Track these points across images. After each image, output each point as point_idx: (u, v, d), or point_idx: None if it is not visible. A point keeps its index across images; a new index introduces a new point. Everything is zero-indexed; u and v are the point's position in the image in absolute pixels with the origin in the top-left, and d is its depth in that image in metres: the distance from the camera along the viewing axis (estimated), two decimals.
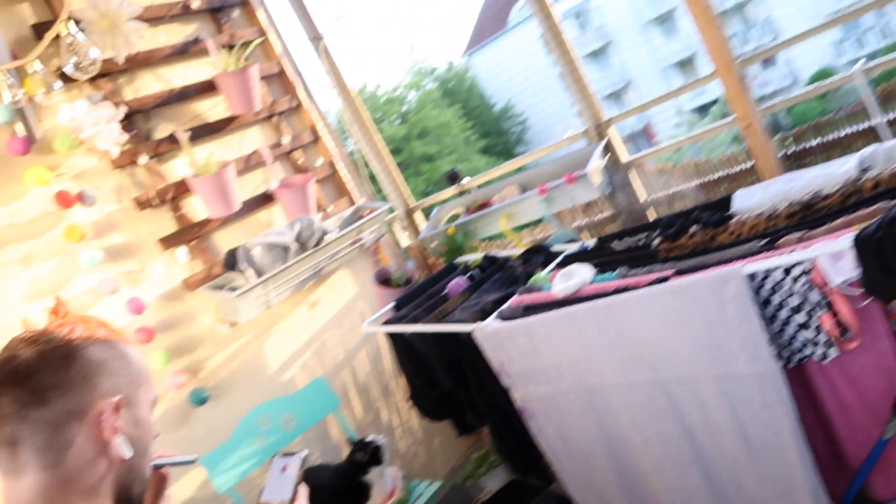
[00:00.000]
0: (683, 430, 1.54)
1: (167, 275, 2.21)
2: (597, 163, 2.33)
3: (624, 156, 2.50)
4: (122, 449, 0.88)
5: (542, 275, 1.97)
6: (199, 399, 2.11)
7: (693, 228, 1.83)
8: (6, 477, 0.86)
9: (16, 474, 0.85)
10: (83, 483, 0.87)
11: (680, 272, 1.58)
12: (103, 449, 0.88)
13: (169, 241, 2.22)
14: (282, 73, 2.68)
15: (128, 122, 2.19)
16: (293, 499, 1.15)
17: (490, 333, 1.79)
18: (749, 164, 2.28)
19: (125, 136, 2.10)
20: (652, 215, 2.51)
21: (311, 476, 2.06)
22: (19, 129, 1.95)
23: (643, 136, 20.51)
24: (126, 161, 2.17)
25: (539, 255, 2.22)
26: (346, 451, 2.41)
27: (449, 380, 2.01)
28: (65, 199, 1.99)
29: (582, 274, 1.80)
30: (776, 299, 1.39)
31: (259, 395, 2.28)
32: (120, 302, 2.04)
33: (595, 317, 1.59)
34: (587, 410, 1.70)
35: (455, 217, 2.78)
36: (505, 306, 1.87)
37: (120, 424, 0.89)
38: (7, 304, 1.87)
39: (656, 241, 1.88)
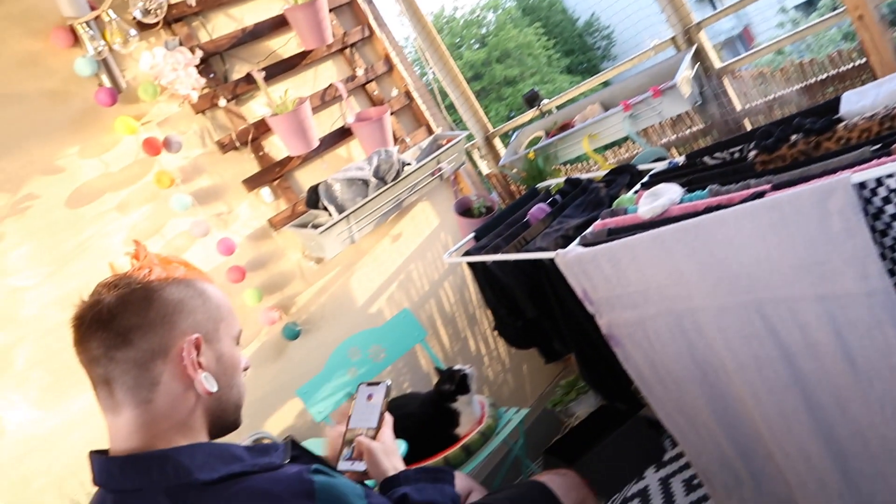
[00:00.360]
0: (782, 353, 1.45)
1: (254, 215, 2.27)
2: (686, 72, 2.16)
3: (716, 62, 2.30)
4: (207, 384, 0.92)
5: (626, 196, 1.88)
6: (292, 334, 2.19)
7: (794, 137, 1.68)
8: (107, 414, 0.92)
9: (114, 411, 0.91)
10: (175, 417, 0.91)
11: (778, 186, 1.45)
12: (189, 384, 0.92)
13: (252, 182, 2.27)
14: (352, 3, 2.62)
15: (204, 65, 2.22)
16: (378, 426, 1.18)
17: (572, 260, 1.74)
18: (861, 62, 2.05)
19: (203, 80, 2.13)
20: (748, 126, 2.32)
21: (400, 405, 2.13)
22: (105, 80, 2.02)
23: (742, 41, 19.04)
24: (206, 105, 2.21)
25: (624, 176, 2.12)
26: (434, 381, 2.46)
27: (532, 308, 1.99)
28: (152, 147, 2.05)
29: (669, 193, 1.69)
30: (890, 210, 1.26)
31: (348, 327, 2.35)
32: (211, 243, 2.12)
33: (684, 238, 1.50)
34: (677, 336, 1.63)
35: (535, 141, 2.68)
36: (587, 231, 1.80)
37: (202, 360, 0.92)
38: (110, 251, 1.97)
39: (752, 154, 1.74)
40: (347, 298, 2.41)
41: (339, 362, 2.21)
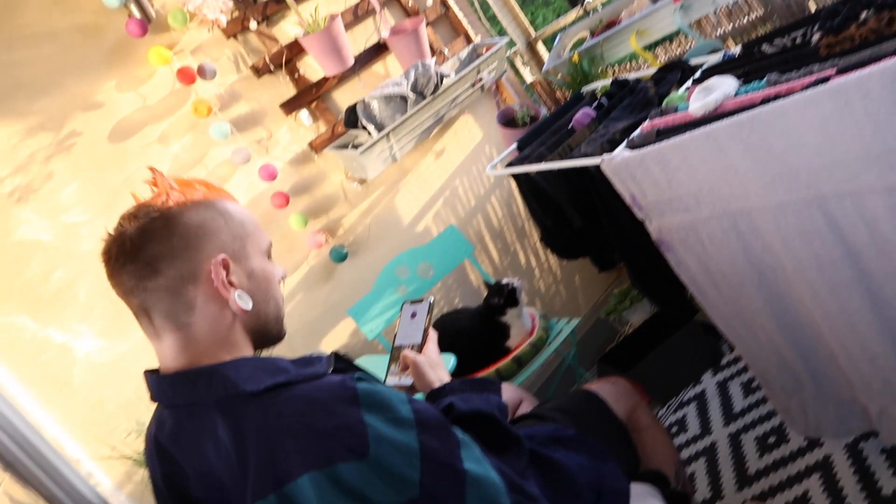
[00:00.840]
0: (845, 250, 1.36)
1: (293, 139, 2.25)
2: None
3: None
4: (241, 302, 0.92)
5: (677, 94, 1.76)
6: (340, 256, 2.21)
7: (864, 14, 1.52)
8: (151, 340, 0.94)
9: (157, 337, 0.93)
10: (216, 336, 0.92)
11: (844, 70, 1.33)
12: (224, 304, 0.92)
13: (290, 106, 2.23)
14: None
15: None
16: (423, 342, 1.18)
17: (619, 165, 1.66)
18: None
19: (230, 3, 2.08)
20: (813, 9, 2.13)
21: (450, 320, 2.14)
22: (134, 10, 1.99)
23: None
24: (237, 28, 2.16)
25: (674, 73, 1.99)
26: (484, 295, 2.46)
27: (579, 217, 1.93)
28: (187, 76, 2.03)
29: (723, 87, 1.57)
30: None
31: (395, 247, 2.35)
32: (253, 170, 2.12)
33: (738, 133, 1.40)
34: (731, 237, 1.56)
35: (580, 42, 2.54)
36: (635, 134, 1.71)
37: (233, 279, 0.92)
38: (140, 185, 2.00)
39: (816, 37, 1.59)
40: (393, 218, 2.40)
41: (388, 281, 2.22)
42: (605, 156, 1.69)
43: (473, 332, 2.04)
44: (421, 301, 1.22)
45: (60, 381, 1.86)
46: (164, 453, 0.95)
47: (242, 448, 0.83)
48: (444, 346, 1.32)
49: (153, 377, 0.94)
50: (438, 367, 1.15)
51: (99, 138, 1.95)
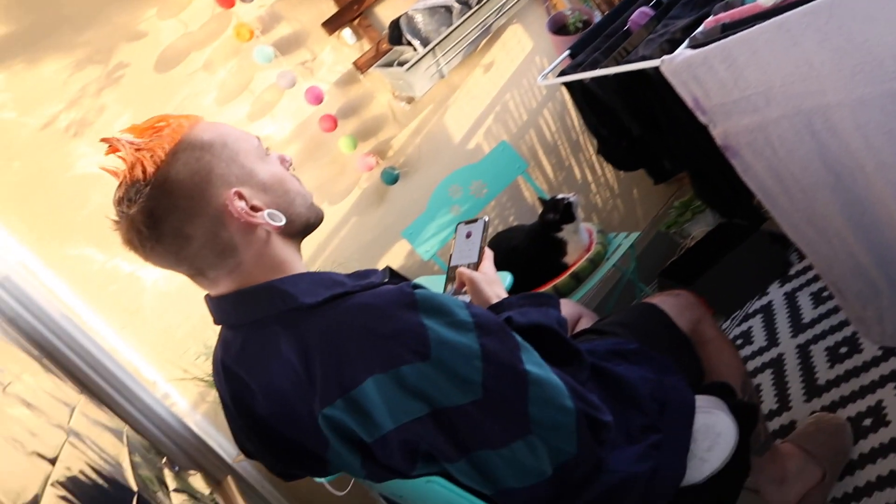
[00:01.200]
0: None
1: (338, 59, 2.19)
2: None
3: None
4: (273, 221, 0.90)
5: None
6: (391, 178, 2.18)
7: None
8: (211, 290, 0.95)
9: (215, 287, 0.94)
10: (267, 261, 0.93)
11: None
12: (258, 228, 0.91)
13: (332, 24, 2.16)
14: None
15: None
16: (479, 261, 1.16)
17: (680, 66, 1.55)
18: None
19: None
20: None
21: (505, 238, 2.11)
22: None
23: None
24: None
25: None
26: (539, 212, 2.41)
27: (637, 126, 1.83)
28: None
29: None
30: None
31: (447, 166, 2.30)
32: (299, 94, 2.09)
33: (815, 22, 1.28)
34: (805, 138, 1.45)
35: None
36: (698, 31, 1.59)
37: (254, 204, 0.89)
38: (204, 111, 2.00)
39: None
40: (443, 136, 2.34)
41: (441, 201, 2.19)
42: (665, 57, 1.58)
43: (529, 249, 2.00)
44: (475, 221, 1.20)
45: (131, 309, 1.93)
46: (230, 374, 0.98)
47: (306, 359, 0.84)
48: (499, 265, 1.30)
49: (213, 300, 0.95)
50: (495, 283, 1.14)
51: (146, 68, 1.94)
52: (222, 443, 1.90)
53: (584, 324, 1.52)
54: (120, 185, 0.89)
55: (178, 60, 1.98)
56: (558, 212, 1.98)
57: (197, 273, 0.91)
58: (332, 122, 2.10)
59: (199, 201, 0.86)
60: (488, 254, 1.18)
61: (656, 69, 1.62)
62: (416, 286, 0.89)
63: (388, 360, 0.80)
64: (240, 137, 0.93)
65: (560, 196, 2.01)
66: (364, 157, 2.15)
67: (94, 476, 0.66)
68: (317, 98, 2.08)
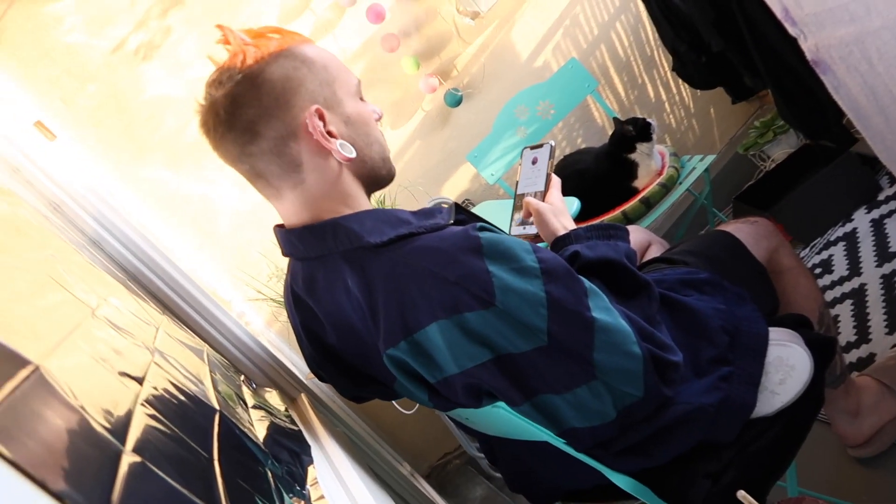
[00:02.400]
0: None
1: None
2: None
3: None
4: (343, 151, 0.89)
5: None
6: (454, 100, 2.13)
7: None
8: (271, 201, 0.96)
9: (276, 198, 0.94)
10: (332, 189, 0.92)
11: None
12: (328, 156, 0.90)
13: None
14: None
15: None
16: (546, 188, 1.13)
17: None
18: None
19: None
20: None
21: (573, 161, 2.05)
22: None
23: None
24: None
25: None
26: (610, 133, 2.33)
27: (719, 39, 1.71)
28: None
29: None
30: None
31: (512, 86, 2.23)
32: (360, 12, 2.03)
33: None
34: None
35: None
36: None
37: (331, 129, 0.89)
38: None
39: None
40: (509, 54, 2.26)
41: (507, 123, 2.14)
42: None
43: (598, 172, 1.94)
44: (541, 146, 1.16)
45: (206, 230, 2.00)
46: (300, 303, 1.00)
47: (371, 298, 0.85)
48: (567, 190, 1.27)
49: (281, 231, 0.96)
50: (562, 214, 1.11)
51: None
52: (296, 361, 1.99)
53: (654, 252, 1.47)
54: (219, 69, 0.90)
55: None
56: (636, 127, 1.89)
57: (258, 176, 0.92)
58: (394, 41, 2.05)
59: (281, 104, 0.87)
60: (555, 181, 1.15)
61: None
62: (483, 227, 0.87)
63: (452, 306, 0.80)
64: (343, 70, 0.94)
65: (637, 117, 1.91)
66: (427, 78, 2.10)
67: (179, 395, 0.69)
68: (378, 16, 2.03)
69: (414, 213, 0.93)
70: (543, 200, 1.11)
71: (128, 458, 0.46)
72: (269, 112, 0.87)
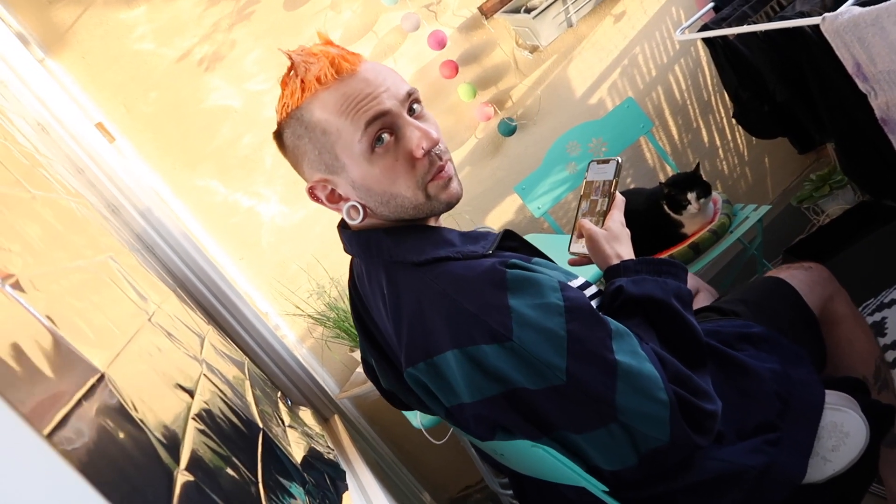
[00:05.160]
0: None
1: (463, 2, 2.13)
2: None
3: None
4: (348, 218, 0.93)
5: None
6: (508, 129, 2.13)
7: None
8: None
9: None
10: (369, 223, 0.95)
11: None
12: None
13: None
14: None
15: None
16: (608, 209, 1.08)
17: (845, 25, 1.39)
18: None
19: None
20: None
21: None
22: None
23: None
24: None
25: None
26: (661, 176, 2.31)
27: (783, 90, 1.68)
28: None
29: None
30: None
31: (566, 121, 2.22)
32: (422, 38, 2.05)
33: None
34: None
35: None
36: None
37: (340, 193, 0.92)
38: None
39: None
40: (565, 89, 2.25)
41: (558, 157, 2.12)
42: (828, 15, 1.42)
43: (648, 214, 1.90)
44: (608, 161, 1.10)
45: (249, 242, 2.02)
46: (356, 295, 1.04)
47: (398, 314, 0.88)
48: None
49: (341, 230, 1.00)
50: (617, 240, 1.04)
51: (275, 5, 1.96)
52: (326, 379, 1.98)
53: (702, 299, 1.43)
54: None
55: None
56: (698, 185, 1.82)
57: None
58: (452, 69, 2.06)
59: (298, 167, 0.94)
60: (618, 201, 1.08)
61: (815, 28, 1.47)
62: (514, 265, 0.86)
63: (469, 338, 0.80)
64: (344, 128, 0.86)
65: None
66: (482, 107, 2.10)
67: (226, 410, 0.68)
68: (439, 43, 2.04)
69: (462, 235, 0.94)
70: (604, 221, 1.06)
71: (182, 477, 0.45)
72: (294, 166, 0.95)
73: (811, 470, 1.02)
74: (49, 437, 0.32)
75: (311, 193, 0.91)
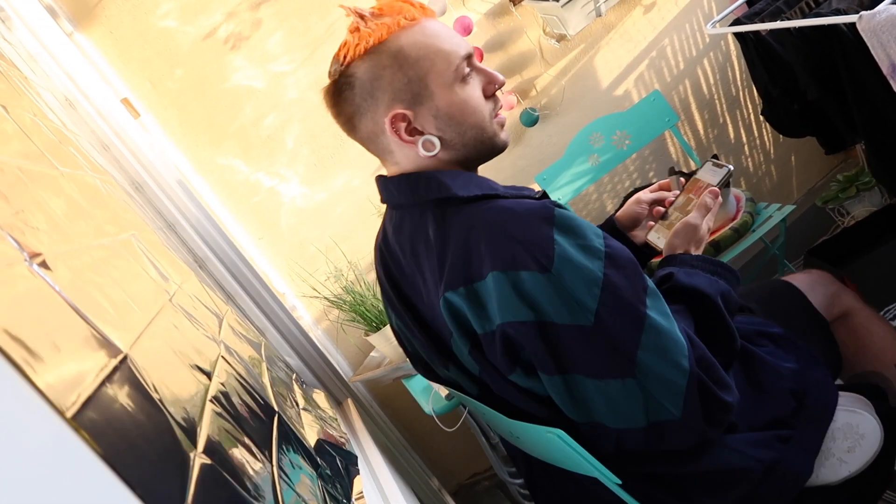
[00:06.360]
0: None
1: None
2: None
3: None
4: (423, 150, 0.95)
5: None
6: (530, 120, 2.11)
7: None
8: (385, 166, 1.04)
9: (382, 162, 1.03)
10: (427, 165, 0.97)
11: None
12: (415, 147, 0.96)
13: None
14: None
15: None
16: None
17: (883, 23, 1.36)
18: None
19: None
20: None
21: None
22: None
23: None
24: None
25: None
26: (685, 167, 2.27)
27: (815, 88, 1.65)
28: None
29: None
30: None
31: (590, 112, 2.20)
32: (449, 22, 2.03)
33: None
34: None
35: None
36: None
37: (416, 127, 0.94)
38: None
39: None
40: (591, 80, 2.23)
41: (580, 149, 2.10)
42: (865, 13, 1.39)
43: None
44: (722, 167, 1.16)
45: (269, 222, 2.02)
46: (385, 255, 1.06)
47: (444, 244, 0.91)
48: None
49: (382, 179, 1.03)
50: (694, 241, 1.08)
51: None
52: (340, 362, 1.99)
53: None
54: (333, 57, 0.97)
55: None
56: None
57: (364, 145, 1.01)
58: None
59: (370, 105, 0.94)
60: (713, 207, 1.11)
61: (851, 26, 1.43)
62: (562, 206, 0.89)
63: (511, 262, 0.83)
64: (439, 56, 0.93)
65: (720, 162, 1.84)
66: (506, 95, 2.09)
67: (243, 392, 0.69)
68: (466, 28, 2.03)
69: (505, 186, 0.98)
70: (702, 220, 1.09)
71: (199, 460, 0.45)
72: (361, 109, 0.95)
73: (827, 471, 1.02)
74: (73, 419, 0.32)
75: (392, 125, 0.93)
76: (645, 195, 1.24)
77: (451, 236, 0.90)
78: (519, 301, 0.83)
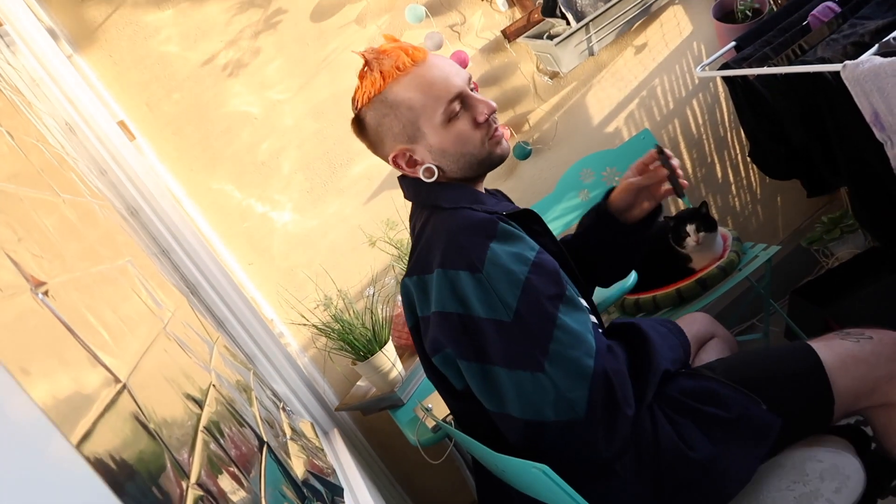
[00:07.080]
0: None
1: (487, 25, 2.15)
2: None
3: None
4: (424, 176, 1.10)
5: None
6: (523, 153, 2.14)
7: None
8: None
9: None
10: (435, 180, 1.12)
11: None
12: (419, 175, 1.12)
13: None
14: None
15: None
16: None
17: (865, 74, 1.41)
18: None
19: None
20: None
21: None
22: None
23: None
24: None
25: None
26: (672, 209, 2.32)
27: (801, 133, 1.69)
28: None
29: None
30: None
31: (582, 148, 2.23)
32: (444, 55, 2.07)
33: None
34: None
35: None
36: (891, 36, 1.43)
37: (416, 159, 1.10)
38: (352, 64, 2.03)
39: None
40: (583, 117, 2.27)
41: (571, 184, 2.13)
42: (849, 63, 1.44)
43: (656, 249, 1.91)
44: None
45: (260, 248, 2.03)
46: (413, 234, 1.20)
47: (419, 239, 1.09)
48: None
49: (400, 179, 1.19)
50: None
51: (302, 16, 1.99)
52: (326, 390, 1.98)
53: (715, 346, 1.41)
54: (353, 92, 1.14)
55: (333, 12, 2.01)
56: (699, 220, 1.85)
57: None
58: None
59: (378, 144, 1.14)
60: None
61: (836, 74, 1.48)
62: (509, 223, 1.03)
63: (452, 262, 0.98)
64: (428, 102, 1.07)
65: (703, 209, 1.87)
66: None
67: (232, 421, 0.69)
68: (461, 62, 2.06)
69: (495, 200, 1.15)
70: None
71: (193, 492, 0.45)
72: (373, 145, 1.15)
73: None
74: (78, 446, 0.32)
75: (394, 161, 1.11)
76: (636, 181, 1.24)
77: (425, 235, 1.08)
78: (451, 295, 0.98)
